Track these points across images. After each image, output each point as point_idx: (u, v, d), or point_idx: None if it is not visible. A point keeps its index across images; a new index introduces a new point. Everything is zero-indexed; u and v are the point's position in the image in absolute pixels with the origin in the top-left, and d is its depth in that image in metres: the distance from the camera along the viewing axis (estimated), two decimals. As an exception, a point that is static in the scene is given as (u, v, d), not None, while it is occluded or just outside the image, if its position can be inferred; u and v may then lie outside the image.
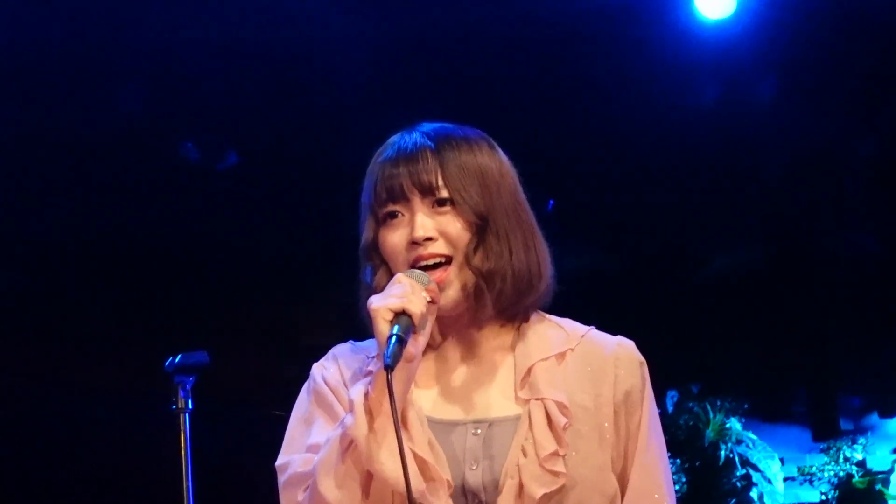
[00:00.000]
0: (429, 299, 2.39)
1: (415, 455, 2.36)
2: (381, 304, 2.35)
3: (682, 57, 5.88)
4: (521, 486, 2.40)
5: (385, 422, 2.33)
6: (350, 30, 5.80)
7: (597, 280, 6.35)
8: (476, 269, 2.46)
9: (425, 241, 2.45)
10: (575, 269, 5.94)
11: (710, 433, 6.43)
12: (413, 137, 2.51)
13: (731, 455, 6.39)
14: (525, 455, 2.41)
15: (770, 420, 6.72)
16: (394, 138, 2.54)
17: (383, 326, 2.33)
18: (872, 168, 6.41)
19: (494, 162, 2.52)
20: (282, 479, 2.46)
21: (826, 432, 6.65)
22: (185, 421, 3.64)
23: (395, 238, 2.48)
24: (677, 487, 5.85)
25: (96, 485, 6.02)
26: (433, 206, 2.47)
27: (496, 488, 2.41)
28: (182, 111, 6.02)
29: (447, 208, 2.47)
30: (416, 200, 2.47)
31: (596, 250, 6.58)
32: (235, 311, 6.42)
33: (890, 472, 6.37)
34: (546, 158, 5.70)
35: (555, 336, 2.53)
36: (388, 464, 2.31)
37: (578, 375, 2.49)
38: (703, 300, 6.63)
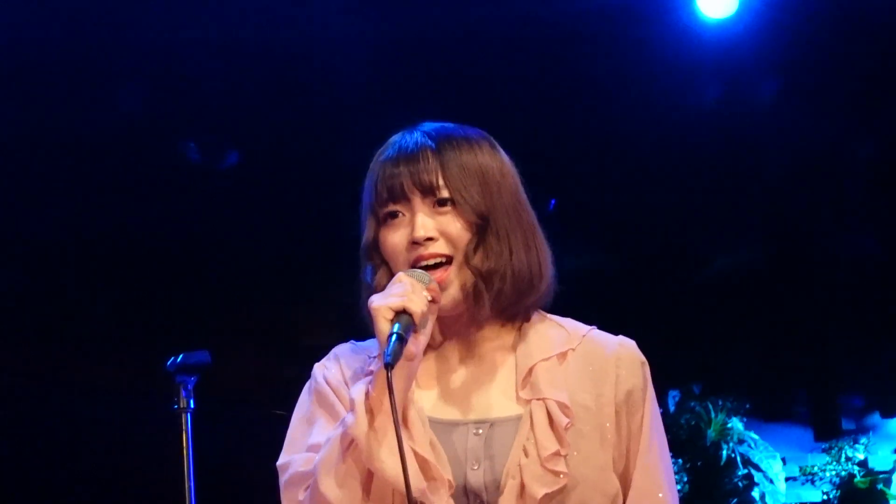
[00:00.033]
0: (430, 298, 2.40)
1: (415, 454, 2.36)
2: (381, 303, 2.35)
3: (684, 57, 5.87)
4: (522, 486, 2.40)
5: (385, 420, 2.33)
6: (350, 30, 5.80)
7: (599, 280, 6.35)
8: (475, 269, 2.46)
9: (426, 241, 2.45)
10: (577, 269, 5.95)
11: (711, 433, 6.43)
12: (414, 137, 2.51)
13: (733, 455, 6.39)
14: (527, 455, 2.41)
15: (772, 420, 6.72)
16: (395, 138, 2.54)
17: (384, 325, 2.34)
18: (873, 169, 6.41)
19: (495, 162, 2.52)
20: (283, 478, 2.46)
21: (828, 432, 6.65)
22: (187, 420, 3.64)
23: (395, 238, 2.48)
24: (679, 487, 5.85)
25: (98, 485, 6.02)
26: (434, 206, 2.47)
27: (498, 488, 2.41)
28: (182, 111, 6.02)
29: (448, 208, 2.47)
30: (417, 200, 2.47)
31: (598, 250, 6.58)
32: (236, 310, 6.42)
33: (892, 471, 6.37)
34: (547, 158, 5.70)
35: (556, 336, 2.53)
36: (388, 462, 2.31)
37: (580, 375, 2.49)
38: (705, 300, 6.63)
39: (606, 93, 6.02)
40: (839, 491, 6.36)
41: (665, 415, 5.21)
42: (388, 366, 2.29)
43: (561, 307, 2.58)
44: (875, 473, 6.36)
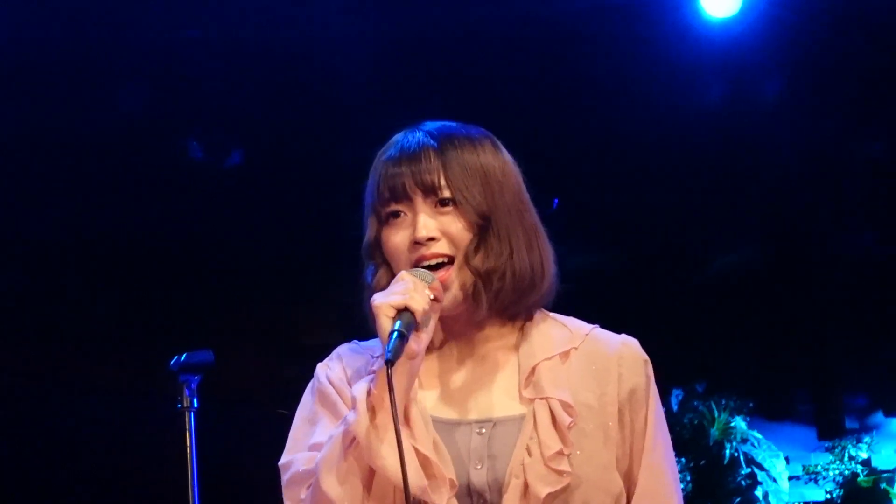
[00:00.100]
0: (432, 297, 2.39)
1: (417, 452, 2.36)
2: (383, 301, 2.35)
3: (687, 56, 5.87)
4: (526, 486, 2.39)
5: (386, 418, 2.32)
6: (351, 29, 5.80)
7: (602, 279, 6.35)
8: (475, 269, 2.45)
9: (428, 241, 2.45)
10: (580, 268, 5.94)
11: (714, 432, 6.43)
12: (416, 136, 2.51)
13: (736, 454, 6.39)
14: (530, 454, 2.41)
15: (775, 419, 6.72)
16: (397, 137, 2.54)
17: (386, 323, 2.34)
18: (876, 168, 6.41)
19: (497, 161, 2.51)
20: (285, 477, 2.46)
21: (831, 431, 6.65)
22: (190, 420, 3.64)
23: (397, 238, 2.48)
24: (682, 486, 5.85)
25: (102, 484, 6.02)
26: (435, 206, 2.47)
27: (501, 488, 2.41)
28: (183, 111, 6.02)
29: (449, 208, 2.46)
30: (419, 200, 2.46)
31: (601, 249, 6.57)
32: (238, 310, 6.43)
33: (895, 470, 6.37)
34: (550, 158, 5.70)
35: (558, 335, 2.53)
36: (389, 459, 2.31)
37: (582, 374, 2.49)
38: (709, 299, 6.64)
39: (609, 92, 6.02)
40: (842, 490, 6.36)
41: (668, 414, 5.20)
42: (389, 363, 2.29)
43: (564, 306, 2.57)
44: (878, 472, 6.36)
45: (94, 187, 6.07)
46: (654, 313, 6.40)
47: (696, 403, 6.50)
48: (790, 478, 6.48)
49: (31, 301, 6.27)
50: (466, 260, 2.45)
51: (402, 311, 2.34)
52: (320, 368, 2.56)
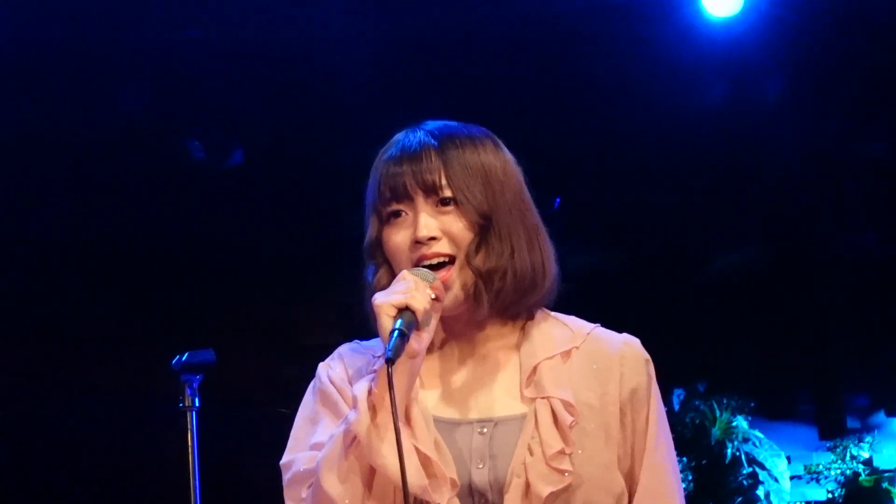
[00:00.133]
0: (433, 296, 2.39)
1: (417, 451, 2.36)
2: (384, 300, 2.35)
3: (689, 55, 5.87)
4: (527, 485, 2.39)
5: (387, 416, 2.33)
6: (352, 29, 5.81)
7: (604, 278, 6.35)
8: (476, 269, 2.45)
9: (429, 240, 2.45)
10: (582, 268, 5.94)
11: (716, 431, 6.43)
12: (417, 136, 2.51)
13: (738, 453, 6.40)
14: (531, 454, 2.40)
15: (776, 418, 6.72)
16: (398, 136, 2.54)
17: (386, 322, 2.34)
18: (879, 168, 6.41)
19: (498, 160, 2.51)
20: (286, 477, 2.46)
21: (833, 431, 6.65)
22: (192, 419, 3.65)
23: (398, 237, 2.47)
24: (684, 486, 5.85)
25: (103, 484, 6.02)
26: (437, 206, 2.47)
27: (503, 487, 2.41)
28: (184, 111, 6.02)
29: (450, 207, 2.46)
30: (420, 200, 2.46)
31: (603, 248, 6.58)
32: (238, 310, 6.43)
33: (897, 470, 6.39)
34: (552, 157, 5.70)
35: (560, 334, 2.53)
36: (389, 458, 2.31)
37: (584, 373, 2.49)
38: (711, 298, 6.64)
39: (610, 92, 6.02)
40: (844, 489, 6.37)
41: (670, 413, 5.20)
42: (389, 361, 2.29)
43: (566, 306, 2.57)
44: (880, 472, 6.37)
45: (95, 187, 6.07)
46: (655, 313, 6.40)
47: (697, 403, 6.50)
48: (792, 477, 6.48)
49: (31, 301, 6.28)
50: (468, 259, 2.45)
51: (404, 311, 2.34)
52: (321, 368, 2.55)
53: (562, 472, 2.38)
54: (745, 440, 6.42)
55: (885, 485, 6.31)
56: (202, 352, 3.68)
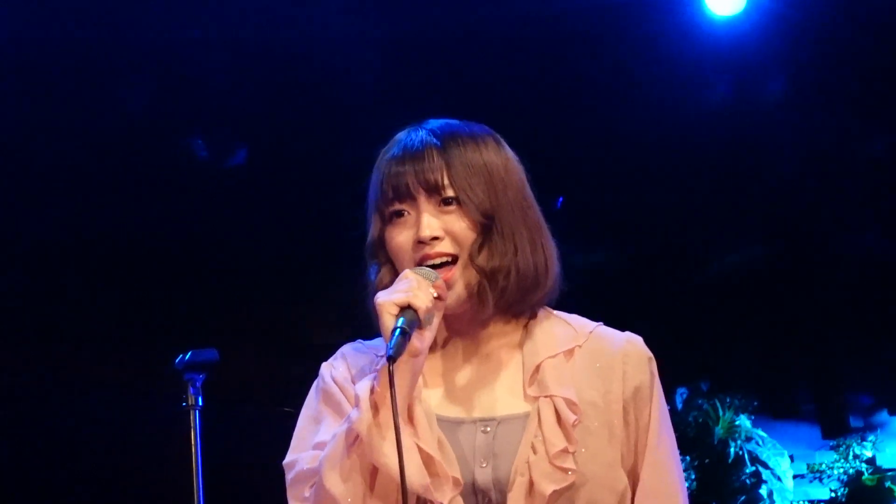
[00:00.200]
0: (436, 295, 2.39)
1: (420, 450, 2.36)
2: (386, 299, 2.36)
3: (692, 55, 5.87)
4: (531, 484, 2.39)
5: (389, 415, 2.32)
6: (352, 29, 5.80)
7: (607, 277, 6.35)
8: (479, 268, 2.45)
9: (431, 240, 2.45)
10: (585, 267, 5.95)
11: (719, 430, 6.43)
12: (419, 135, 2.51)
13: (741, 452, 6.39)
14: (535, 452, 2.41)
15: (779, 417, 6.72)
16: (400, 135, 2.54)
17: (388, 320, 2.34)
18: (881, 167, 6.40)
19: (500, 158, 2.51)
20: (289, 476, 2.46)
21: (835, 430, 6.65)
22: (195, 418, 3.65)
23: (401, 237, 2.48)
24: (686, 485, 5.86)
25: (106, 483, 6.02)
26: (439, 205, 2.47)
27: (506, 486, 2.41)
28: (187, 111, 6.02)
29: (453, 207, 2.46)
30: (422, 199, 2.47)
31: (606, 247, 6.57)
32: (240, 309, 6.42)
33: (899, 469, 6.38)
34: (554, 157, 5.69)
35: (562, 333, 2.53)
36: (391, 457, 2.31)
37: (587, 372, 2.49)
38: (714, 297, 6.63)
39: (613, 91, 6.01)
40: (847, 488, 6.36)
41: (673, 412, 5.20)
42: (391, 359, 2.29)
43: (568, 304, 2.57)
44: (883, 471, 6.36)
45: (98, 186, 6.07)
46: (659, 312, 6.39)
47: (700, 402, 6.50)
48: (795, 476, 6.48)
49: (34, 301, 6.28)
50: (471, 259, 2.45)
51: (406, 309, 2.34)
52: (325, 368, 2.56)
53: (565, 470, 2.39)
54: (749, 439, 6.42)
55: (888, 484, 6.31)
56: (205, 351, 3.69)
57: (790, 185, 6.49)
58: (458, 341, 2.53)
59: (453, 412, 2.47)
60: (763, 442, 6.45)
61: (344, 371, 2.53)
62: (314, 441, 2.46)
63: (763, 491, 6.37)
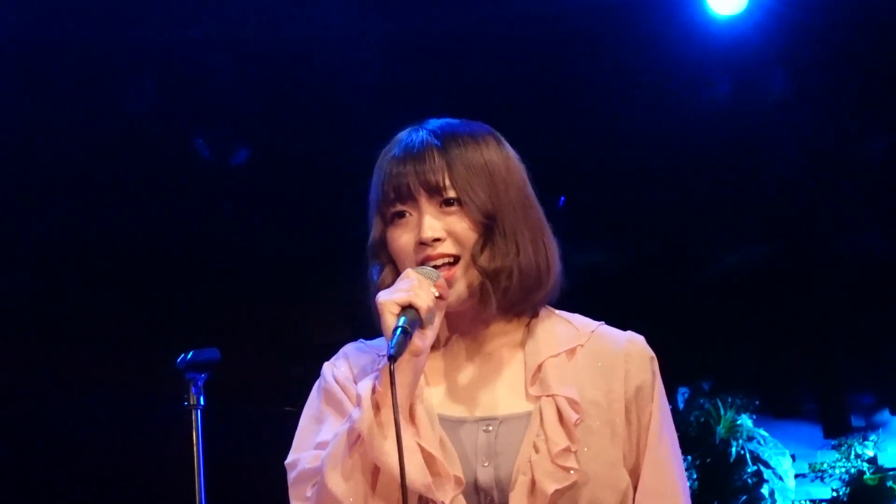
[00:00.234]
0: (437, 294, 2.39)
1: (422, 449, 2.36)
2: (387, 298, 2.36)
3: (693, 54, 5.86)
4: (533, 483, 2.39)
5: (390, 414, 2.32)
6: (353, 29, 5.80)
7: (609, 276, 6.34)
8: (482, 269, 2.45)
9: (433, 241, 2.45)
10: (587, 266, 5.94)
11: (721, 430, 6.43)
12: (420, 135, 2.51)
13: (742, 452, 6.39)
14: (537, 451, 2.41)
15: (781, 417, 6.71)
16: (401, 135, 2.54)
17: (390, 320, 2.34)
18: (883, 167, 6.40)
19: (501, 157, 2.51)
20: (291, 476, 2.46)
21: (837, 429, 6.64)
22: (197, 417, 3.65)
23: (403, 239, 2.48)
24: (688, 484, 5.86)
25: (108, 483, 6.03)
26: (440, 206, 2.47)
27: (508, 485, 2.41)
28: (189, 110, 6.02)
29: (454, 208, 2.46)
30: (423, 200, 2.47)
31: (607, 247, 6.57)
32: (242, 309, 6.42)
33: (901, 468, 6.38)
34: (556, 156, 5.69)
35: (564, 332, 2.53)
36: (392, 456, 2.31)
37: (589, 371, 2.49)
38: (715, 297, 6.63)
39: (615, 90, 6.01)
40: (848, 488, 6.36)
41: (674, 412, 5.21)
42: (392, 358, 2.29)
43: (570, 304, 2.57)
44: (885, 470, 6.36)
45: (100, 186, 6.07)
46: (660, 311, 6.39)
47: (702, 401, 6.50)
48: (796, 476, 6.48)
49: (36, 300, 6.28)
50: (473, 260, 2.45)
51: (407, 308, 2.34)
52: (327, 368, 2.56)
53: (567, 469, 2.39)
54: (750, 438, 6.42)
55: (889, 483, 6.31)
56: (207, 350, 3.68)
57: (792, 184, 6.49)
58: (459, 340, 2.53)
59: (455, 411, 2.47)
60: (765, 441, 6.44)
61: (346, 371, 2.53)
62: (316, 441, 2.45)
63: (765, 490, 6.37)
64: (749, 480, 6.38)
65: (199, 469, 3.62)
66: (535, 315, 2.54)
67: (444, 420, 2.45)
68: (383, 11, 5.82)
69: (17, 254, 6.18)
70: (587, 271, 5.70)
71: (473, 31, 5.85)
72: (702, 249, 6.70)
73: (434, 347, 2.46)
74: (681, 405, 6.50)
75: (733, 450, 6.40)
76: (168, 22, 5.71)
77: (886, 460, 6.42)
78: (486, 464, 2.42)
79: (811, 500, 6.46)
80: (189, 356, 3.65)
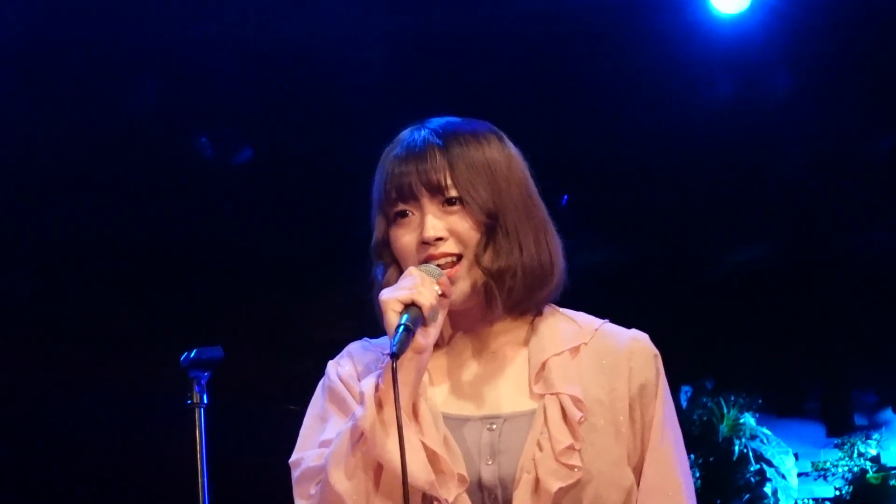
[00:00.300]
0: (440, 292, 2.39)
1: (425, 447, 2.36)
2: (390, 296, 2.36)
3: (697, 53, 5.86)
4: (537, 481, 2.39)
5: (393, 412, 2.32)
6: (354, 28, 5.79)
7: (612, 275, 6.34)
8: (486, 269, 2.45)
9: (436, 241, 2.45)
10: (590, 264, 5.94)
11: (724, 428, 6.43)
12: (422, 134, 2.51)
13: (745, 450, 6.40)
14: (541, 449, 2.40)
15: (784, 415, 6.72)
16: (403, 134, 2.54)
17: (392, 318, 2.34)
18: (887, 165, 6.40)
19: (503, 156, 2.51)
20: (295, 474, 2.46)
21: (840, 427, 6.65)
22: (200, 416, 3.64)
23: (405, 239, 2.48)
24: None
25: (110, 481, 6.03)
26: (442, 206, 2.47)
27: (512, 483, 2.40)
28: (192, 109, 6.02)
29: (456, 207, 2.46)
30: (426, 200, 2.46)
31: (611, 245, 6.57)
32: (245, 307, 6.43)
33: (904, 467, 6.38)
34: (558, 155, 5.68)
35: (568, 330, 2.53)
36: (395, 454, 2.30)
37: (593, 369, 2.49)
38: (718, 296, 6.63)
39: (618, 89, 6.01)
40: (851, 486, 6.37)
41: (678, 410, 5.22)
42: (394, 356, 2.29)
43: (572, 303, 2.57)
44: (887, 469, 6.37)
45: (100, 186, 6.07)
46: (664, 310, 6.39)
47: (705, 400, 6.50)
48: (799, 474, 6.48)
49: (38, 300, 6.28)
50: (476, 259, 2.45)
51: (410, 306, 2.34)
52: (331, 366, 2.56)
53: (571, 467, 2.38)
54: (753, 437, 6.42)
55: (892, 482, 6.31)
56: (210, 348, 3.68)
57: (796, 182, 6.49)
58: (463, 338, 2.53)
59: (459, 409, 2.47)
60: (768, 440, 6.45)
61: (350, 369, 2.53)
62: (320, 439, 2.45)
63: (767, 489, 6.38)
64: (752, 479, 6.38)
65: (202, 467, 3.62)
66: (539, 313, 2.54)
67: (447, 418, 2.45)
68: (385, 11, 5.81)
69: (18, 254, 6.17)
70: (589, 270, 5.69)
71: (476, 30, 5.85)
72: (706, 248, 6.70)
73: (438, 346, 2.46)
74: (684, 404, 6.51)
75: (736, 448, 6.40)
76: (169, 22, 5.70)
77: (889, 459, 6.43)
78: (490, 462, 2.42)
79: (814, 499, 6.47)
80: (193, 354, 3.65)
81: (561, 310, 2.57)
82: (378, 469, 2.35)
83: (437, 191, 2.45)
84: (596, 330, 2.53)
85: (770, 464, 6.41)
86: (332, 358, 2.58)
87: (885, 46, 5.93)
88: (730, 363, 6.67)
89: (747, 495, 6.38)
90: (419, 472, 2.33)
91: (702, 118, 6.13)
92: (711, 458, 6.43)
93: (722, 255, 6.73)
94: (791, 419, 6.75)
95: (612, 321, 2.58)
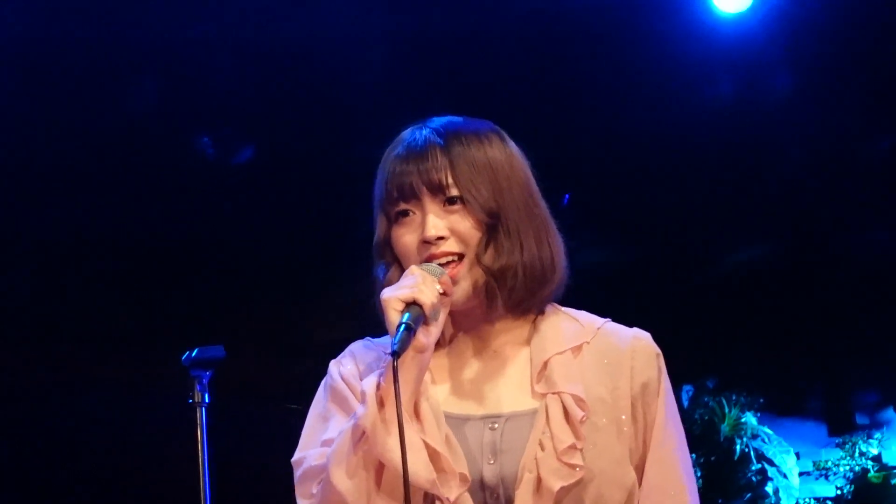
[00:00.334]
0: (441, 291, 2.39)
1: (426, 445, 2.36)
2: (391, 295, 2.36)
3: (698, 52, 5.86)
4: (539, 480, 2.39)
5: (394, 410, 2.32)
6: (354, 28, 5.79)
7: (613, 274, 6.34)
8: (487, 268, 2.46)
9: (437, 240, 2.45)
10: (592, 264, 5.94)
11: (725, 428, 6.43)
12: (423, 134, 2.51)
13: (747, 450, 6.39)
14: (543, 449, 2.40)
15: (785, 415, 6.71)
16: (404, 134, 2.54)
17: (393, 316, 2.34)
18: (889, 165, 6.40)
19: (504, 155, 2.51)
20: (297, 473, 2.46)
21: (841, 427, 6.64)
22: (201, 415, 3.66)
23: (407, 238, 2.48)
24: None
25: (112, 480, 6.03)
26: (444, 205, 2.47)
27: (514, 482, 2.41)
28: (192, 109, 6.02)
29: (458, 206, 2.47)
30: (427, 199, 2.47)
31: (612, 245, 6.56)
32: (246, 306, 6.42)
33: (905, 466, 6.37)
34: (560, 154, 5.68)
35: (570, 329, 2.53)
36: (396, 452, 2.31)
37: (595, 368, 2.49)
38: (719, 295, 6.62)
39: (620, 88, 6.01)
40: (853, 486, 6.36)
41: (679, 410, 5.22)
42: (395, 354, 2.29)
43: (575, 302, 2.57)
44: (889, 468, 6.36)
45: (100, 186, 6.07)
46: (665, 309, 6.38)
47: (706, 399, 6.49)
48: (801, 473, 6.47)
49: (39, 300, 6.28)
50: (478, 258, 2.46)
51: (411, 305, 2.34)
52: (333, 366, 2.56)
53: (573, 466, 2.39)
54: (754, 436, 6.42)
55: (894, 481, 6.30)
56: (212, 348, 3.69)
57: (796, 182, 6.49)
58: (465, 338, 2.53)
59: (461, 409, 2.47)
60: (769, 439, 6.44)
61: (352, 368, 2.53)
62: (322, 438, 2.46)
63: (769, 488, 6.37)
64: (753, 478, 6.37)
65: (204, 466, 3.63)
66: (541, 312, 2.54)
67: (449, 417, 2.45)
68: (385, 11, 5.81)
69: (18, 254, 6.17)
70: (592, 269, 5.69)
71: (476, 30, 5.85)
72: (706, 248, 6.69)
73: (439, 345, 2.47)
74: (685, 403, 6.50)
75: (738, 448, 6.40)
76: (169, 22, 5.70)
77: (891, 458, 6.42)
78: (492, 461, 2.42)
79: (815, 498, 6.46)
80: (194, 353, 3.66)
81: (563, 309, 2.57)
82: (379, 468, 2.35)
83: (438, 190, 2.46)
84: (598, 329, 2.54)
85: (771, 463, 6.40)
86: (332, 357, 2.58)
87: (885, 46, 5.93)
88: (731, 363, 6.67)
89: (749, 494, 6.38)
90: (420, 471, 2.33)
91: (702, 118, 6.13)
92: (713, 458, 6.42)
93: (722, 254, 6.72)
94: (792, 418, 6.74)
95: (614, 321, 2.58)
